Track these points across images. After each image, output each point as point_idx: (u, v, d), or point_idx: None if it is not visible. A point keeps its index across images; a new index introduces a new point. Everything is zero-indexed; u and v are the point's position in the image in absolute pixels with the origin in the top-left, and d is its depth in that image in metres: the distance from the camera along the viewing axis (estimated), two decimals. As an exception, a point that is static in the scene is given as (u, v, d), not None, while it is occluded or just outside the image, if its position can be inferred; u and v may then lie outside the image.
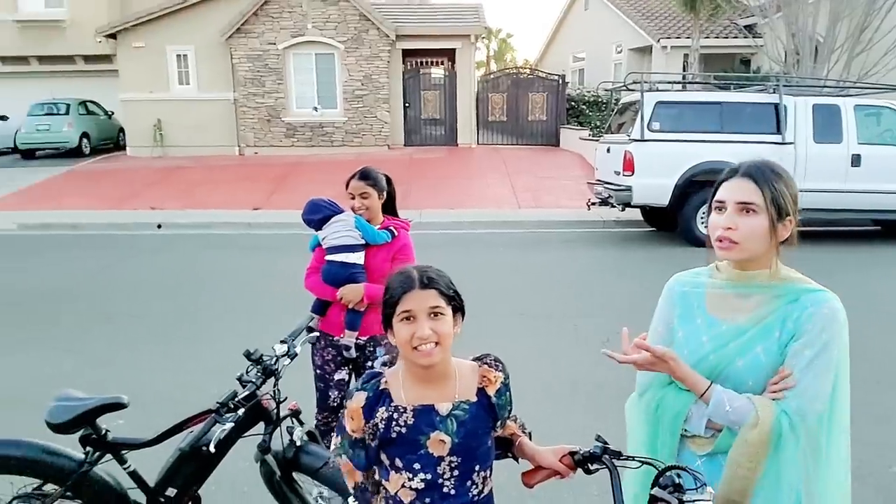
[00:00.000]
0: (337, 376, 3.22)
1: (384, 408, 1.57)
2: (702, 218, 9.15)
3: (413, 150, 18.63)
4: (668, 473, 1.40)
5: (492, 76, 22.89)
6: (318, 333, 2.93)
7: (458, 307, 1.59)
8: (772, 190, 1.62)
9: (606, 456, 1.58)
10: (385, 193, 3.29)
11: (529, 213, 12.32)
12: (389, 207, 3.35)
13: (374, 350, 3.22)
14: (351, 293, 3.11)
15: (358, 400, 1.59)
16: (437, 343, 1.52)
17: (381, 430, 1.57)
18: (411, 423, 1.56)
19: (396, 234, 3.26)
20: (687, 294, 1.79)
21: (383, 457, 1.61)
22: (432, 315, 1.53)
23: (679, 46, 20.00)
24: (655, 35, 20.48)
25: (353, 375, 3.28)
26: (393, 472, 1.61)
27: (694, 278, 1.82)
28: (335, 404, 3.23)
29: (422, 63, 19.57)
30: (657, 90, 10.22)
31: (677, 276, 1.86)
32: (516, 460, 1.78)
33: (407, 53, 19.17)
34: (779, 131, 9.61)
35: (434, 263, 1.65)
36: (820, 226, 10.72)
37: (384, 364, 3.15)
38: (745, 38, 18.80)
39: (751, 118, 9.69)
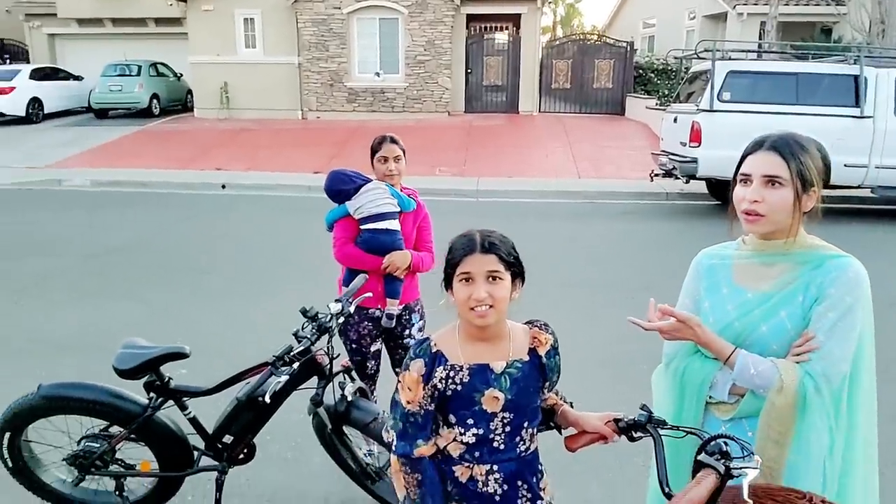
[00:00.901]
0: (373, 348, 3.19)
1: (441, 367, 1.64)
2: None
3: (473, 116, 18.50)
4: (715, 441, 1.42)
5: (557, 42, 22.42)
6: (370, 294, 2.93)
7: (517, 273, 1.64)
8: (798, 163, 1.64)
9: (651, 424, 1.61)
10: None
11: (589, 183, 12.12)
12: None
13: (410, 318, 3.20)
14: (400, 259, 3.05)
15: (417, 367, 1.65)
16: (491, 306, 1.58)
17: (441, 390, 1.63)
18: (467, 380, 1.63)
19: (416, 201, 3.21)
20: (714, 266, 1.83)
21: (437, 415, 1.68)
22: (490, 279, 1.58)
23: (756, 14, 19.14)
24: (731, 1, 19.63)
25: (390, 345, 3.24)
26: (445, 427, 1.69)
27: (721, 251, 1.86)
28: (372, 372, 3.23)
29: (486, 28, 19.29)
30: (730, 59, 9.85)
31: (704, 251, 1.90)
32: (559, 430, 1.82)
33: (471, 18, 18.93)
34: (857, 104, 9.14)
35: (491, 232, 1.69)
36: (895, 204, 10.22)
37: (420, 330, 3.19)
38: (826, 5, 17.84)
39: (828, 90, 9.24)
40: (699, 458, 1.41)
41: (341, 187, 3.08)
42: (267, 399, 2.32)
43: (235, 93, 19.06)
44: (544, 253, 7.42)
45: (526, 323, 1.75)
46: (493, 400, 1.63)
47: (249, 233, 8.71)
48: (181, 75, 21.51)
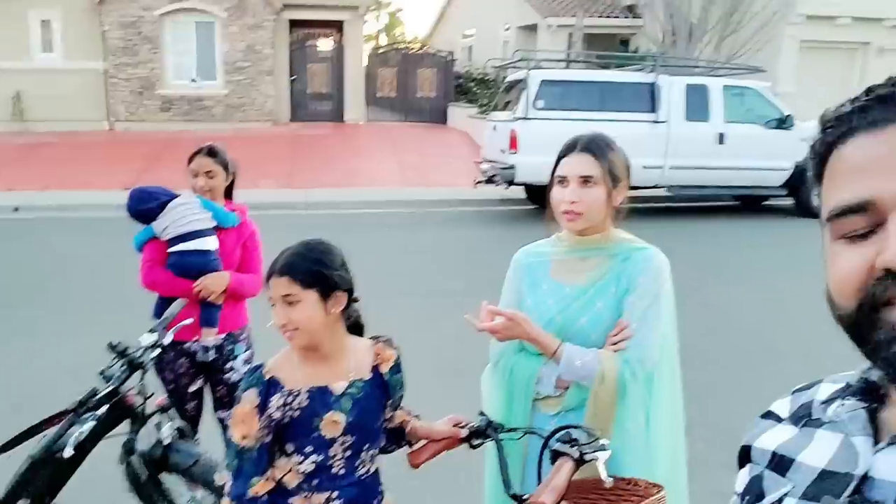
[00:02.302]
0: (192, 388, 2.89)
1: (278, 395, 1.55)
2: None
3: (299, 125, 18.11)
4: (564, 431, 1.49)
5: (382, 51, 22.59)
6: (190, 320, 2.66)
7: (330, 287, 1.57)
8: (607, 161, 1.77)
9: (491, 429, 1.65)
10: (232, 175, 2.96)
11: (417, 192, 12.30)
12: (227, 192, 3.01)
13: (233, 349, 2.90)
14: (214, 282, 2.75)
15: (250, 399, 1.55)
16: (296, 328, 1.54)
17: (277, 419, 1.55)
18: (305, 405, 1.56)
19: (242, 217, 2.94)
20: (533, 264, 1.91)
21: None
22: (287, 303, 1.54)
23: (564, 25, 20.45)
24: (543, 12, 20.83)
25: (210, 382, 2.94)
26: (282, 458, 1.61)
27: (538, 248, 1.95)
28: (193, 414, 2.93)
29: (309, 35, 18.98)
30: (542, 68, 10.40)
31: (523, 249, 1.98)
32: (411, 445, 1.80)
33: (294, 24, 18.53)
34: (653, 110, 10.03)
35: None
36: (687, 201, 11.33)
37: (246, 362, 2.93)
38: (626, 17, 19.49)
39: (629, 97, 10.06)
40: (555, 447, 1.47)
41: (144, 206, 2.76)
42: (67, 453, 2.06)
43: (31, 103, 17.18)
44: (378, 263, 7.40)
45: (371, 338, 1.72)
46: (332, 424, 1.56)
47: (50, 260, 7.85)
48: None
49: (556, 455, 1.46)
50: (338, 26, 18.93)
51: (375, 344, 1.69)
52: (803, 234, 9.42)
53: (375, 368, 1.65)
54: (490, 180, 10.44)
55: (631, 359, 1.70)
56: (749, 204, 11.45)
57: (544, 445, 1.50)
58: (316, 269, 1.56)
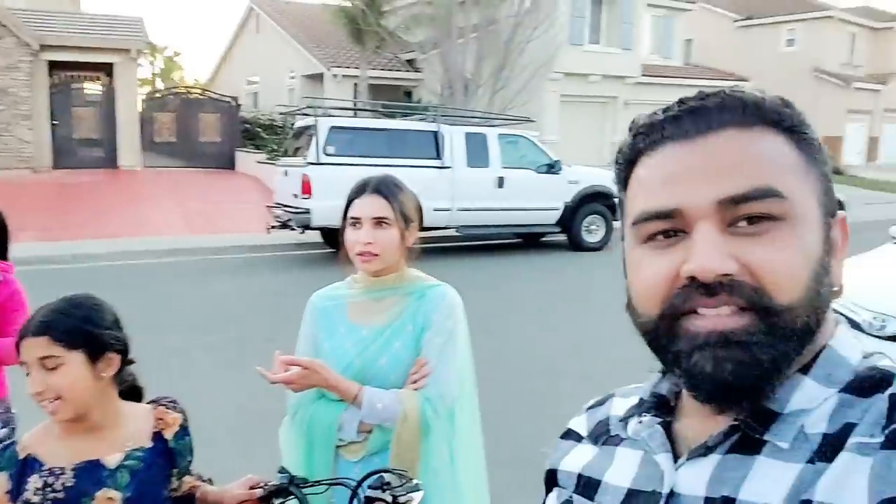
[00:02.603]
0: None
1: (36, 476, 1.35)
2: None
3: (64, 173, 16.48)
4: (374, 476, 1.44)
5: (159, 95, 21.43)
6: None
7: (101, 348, 1.41)
8: (399, 203, 1.79)
9: (293, 485, 1.54)
10: None
11: (205, 239, 11.74)
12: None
13: None
14: None
15: (0, 484, 1.35)
16: (59, 397, 1.34)
17: None
18: (71, 484, 1.35)
19: (3, 278, 2.62)
20: (328, 308, 1.89)
21: None
22: (46, 367, 1.35)
23: (349, 76, 20.92)
24: (326, 63, 21.15)
25: None
26: None
27: (333, 292, 1.93)
28: None
29: (73, 77, 17.48)
30: (331, 116, 10.57)
31: (317, 293, 1.95)
32: None
33: (54, 65, 16.97)
34: (439, 156, 10.60)
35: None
36: (475, 240, 12.05)
37: (6, 439, 2.51)
38: (407, 71, 20.42)
39: (415, 144, 10.56)
40: (367, 494, 1.42)
41: None
42: None
43: None
44: (168, 316, 6.93)
45: (151, 402, 1.54)
46: (107, 503, 1.38)
47: None
48: None
49: (368, 502, 1.42)
50: (106, 69, 17.68)
51: (156, 408, 1.52)
52: (575, 264, 10.47)
53: (157, 435, 1.48)
54: (285, 225, 10.30)
55: (432, 396, 1.71)
56: (529, 240, 12.42)
57: (353, 494, 1.45)
58: (83, 326, 1.39)
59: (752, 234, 0.60)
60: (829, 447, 0.57)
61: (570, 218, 11.51)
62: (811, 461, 0.58)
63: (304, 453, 1.79)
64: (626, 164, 0.69)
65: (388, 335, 1.78)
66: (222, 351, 5.99)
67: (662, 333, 0.63)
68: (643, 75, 21.80)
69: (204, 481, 1.64)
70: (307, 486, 1.55)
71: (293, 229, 10.18)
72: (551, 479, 0.80)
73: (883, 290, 4.34)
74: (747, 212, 0.60)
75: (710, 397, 0.62)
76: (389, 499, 1.40)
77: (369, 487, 1.44)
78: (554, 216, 11.51)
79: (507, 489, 2.64)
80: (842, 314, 4.05)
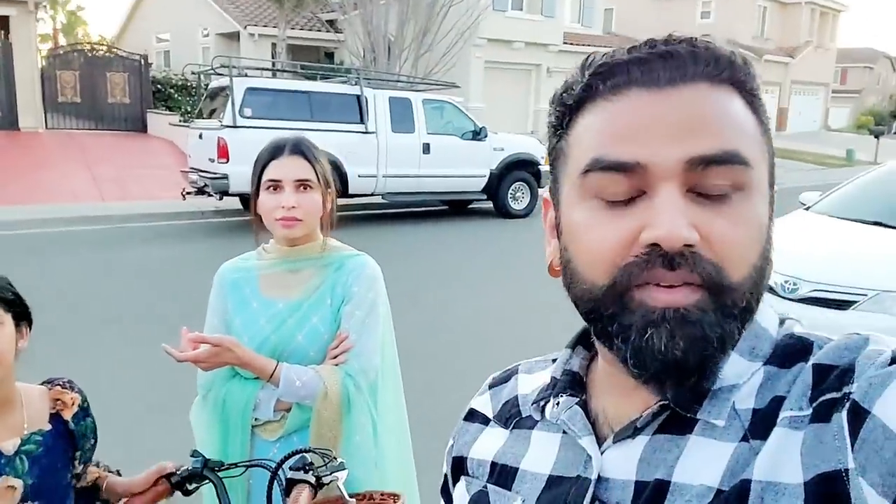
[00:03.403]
0: None
1: None
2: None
3: (-43, 135, 15.33)
4: (296, 457, 1.38)
5: (61, 52, 20.07)
6: None
7: (24, 316, 1.34)
8: (320, 164, 1.70)
9: (207, 469, 1.46)
10: None
11: (117, 206, 11.18)
12: None
13: None
14: None
15: None
16: None
17: None
18: None
19: None
20: (238, 280, 1.78)
21: None
22: None
23: (267, 35, 20.19)
24: (242, 21, 20.32)
25: None
26: None
27: (243, 263, 1.82)
28: None
29: (-38, 30, 16.11)
30: (247, 76, 10.15)
31: (225, 265, 1.83)
32: None
33: (-61, 17, 15.61)
34: (362, 121, 10.37)
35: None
36: (400, 207, 11.93)
37: None
38: (327, 31, 19.85)
39: (338, 108, 10.26)
40: (289, 475, 1.36)
41: None
42: None
43: None
44: (72, 288, 6.54)
45: (44, 383, 1.43)
46: (7, 492, 1.29)
47: None
48: None
49: (290, 484, 1.36)
50: (2, 23, 16.39)
51: (51, 388, 1.42)
52: (501, 232, 10.52)
53: (56, 417, 1.39)
54: (201, 191, 9.88)
55: (354, 371, 1.65)
56: (456, 207, 12.39)
57: (273, 476, 1.39)
58: (10, 288, 1.31)
59: (714, 202, 0.55)
60: (761, 423, 0.55)
61: (496, 185, 11.52)
62: (745, 438, 0.55)
63: (218, 435, 1.69)
64: (574, 106, 0.60)
65: (306, 309, 1.68)
66: (134, 326, 5.70)
67: (609, 304, 0.56)
68: (564, 43, 21.96)
69: (111, 472, 1.55)
70: (223, 469, 1.48)
71: (210, 195, 9.80)
72: (458, 467, 0.74)
73: (794, 255, 4.55)
74: (713, 178, 0.54)
75: (654, 376, 0.56)
76: (313, 480, 1.35)
77: (291, 469, 1.38)
78: (480, 183, 11.49)
79: (436, 461, 2.62)
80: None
